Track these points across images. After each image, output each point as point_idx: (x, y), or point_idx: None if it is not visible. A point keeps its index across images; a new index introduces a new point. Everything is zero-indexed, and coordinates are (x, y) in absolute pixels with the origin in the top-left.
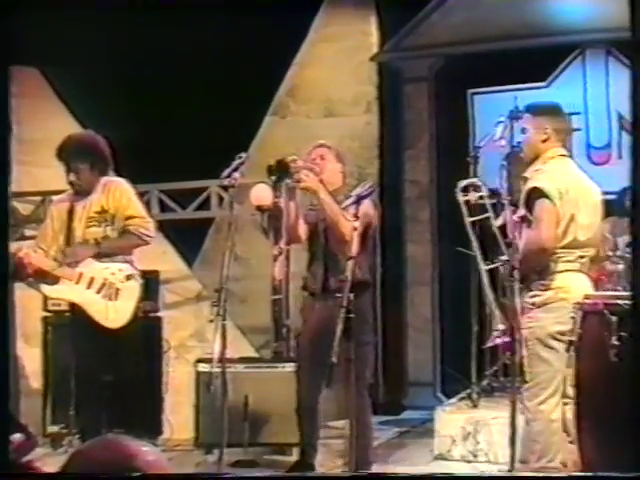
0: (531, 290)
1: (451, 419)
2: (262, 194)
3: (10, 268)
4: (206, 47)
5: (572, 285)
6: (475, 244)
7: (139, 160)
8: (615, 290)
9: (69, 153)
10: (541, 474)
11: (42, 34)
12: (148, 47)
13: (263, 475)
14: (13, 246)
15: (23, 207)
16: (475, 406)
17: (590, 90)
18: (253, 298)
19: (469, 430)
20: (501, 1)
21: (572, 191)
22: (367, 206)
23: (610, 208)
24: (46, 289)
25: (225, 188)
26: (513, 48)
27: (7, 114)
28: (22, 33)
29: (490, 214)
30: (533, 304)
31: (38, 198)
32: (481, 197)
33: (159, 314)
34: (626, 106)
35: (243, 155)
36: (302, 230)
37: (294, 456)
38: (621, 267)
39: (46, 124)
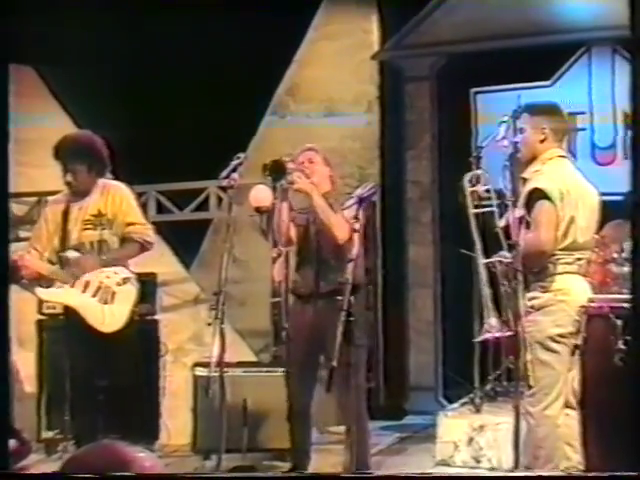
0: (529, 292)
1: (453, 424)
2: (261, 195)
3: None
4: (204, 46)
5: (571, 287)
6: (476, 236)
7: (136, 160)
8: (621, 293)
9: (66, 153)
10: (541, 474)
11: (38, 33)
12: (145, 46)
13: (263, 475)
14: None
15: (18, 208)
16: (478, 411)
17: (595, 89)
18: (252, 301)
19: (472, 436)
20: None
21: (572, 192)
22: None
23: (615, 210)
24: (41, 292)
25: (224, 189)
26: (517, 46)
27: (7, 114)
28: (18, 32)
29: (494, 208)
30: (532, 307)
31: (33, 199)
32: (487, 190)
33: (156, 317)
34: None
35: (242, 155)
36: (292, 232)
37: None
38: (627, 270)
39: (41, 124)
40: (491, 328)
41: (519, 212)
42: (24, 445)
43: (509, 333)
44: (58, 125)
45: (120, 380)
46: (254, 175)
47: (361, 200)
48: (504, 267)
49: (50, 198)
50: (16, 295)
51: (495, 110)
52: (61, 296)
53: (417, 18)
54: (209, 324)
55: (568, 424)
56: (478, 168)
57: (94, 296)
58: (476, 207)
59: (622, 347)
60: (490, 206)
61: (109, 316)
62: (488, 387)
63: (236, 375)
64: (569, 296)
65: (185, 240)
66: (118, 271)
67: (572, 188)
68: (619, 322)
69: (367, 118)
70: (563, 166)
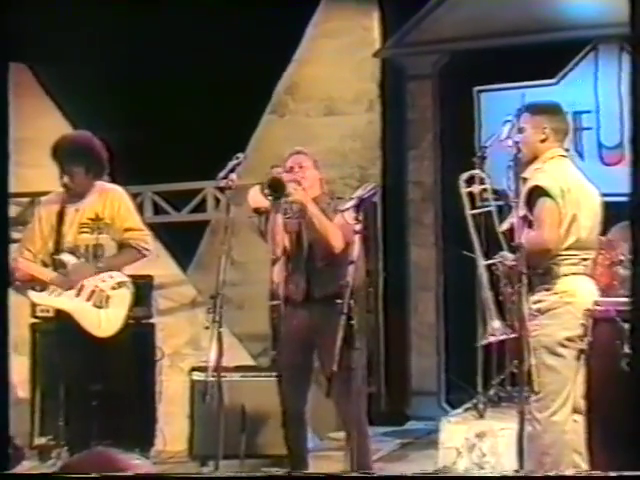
0: (534, 295)
1: (456, 430)
2: (260, 196)
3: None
4: (201, 44)
5: (577, 289)
6: (475, 238)
7: (131, 160)
8: (627, 296)
9: (63, 154)
10: (541, 474)
11: (33, 30)
12: (141, 44)
13: (263, 475)
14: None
15: (11, 209)
16: (481, 416)
17: (602, 88)
18: (250, 304)
19: (475, 442)
20: None
21: (573, 191)
22: (345, 224)
23: (623, 211)
24: (34, 296)
25: (221, 190)
26: (521, 44)
27: (7, 114)
28: (12, 29)
29: (492, 208)
30: (538, 310)
31: (26, 199)
32: (485, 190)
33: (152, 321)
34: None
35: (240, 155)
36: (285, 239)
37: None
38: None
39: (35, 123)
40: (494, 331)
41: (521, 212)
42: (17, 451)
43: (513, 336)
44: (53, 124)
45: (115, 385)
46: (252, 176)
47: (362, 201)
48: (506, 269)
49: (43, 198)
50: (9, 298)
51: (499, 109)
52: (55, 300)
53: (419, 15)
54: (206, 328)
55: (576, 430)
56: (481, 168)
57: (88, 300)
58: (477, 208)
59: (628, 351)
60: (489, 206)
61: (104, 320)
62: (492, 392)
63: (234, 380)
64: (576, 298)
65: (182, 242)
66: (113, 275)
67: (573, 187)
68: (626, 326)
69: (368, 117)
70: (564, 165)
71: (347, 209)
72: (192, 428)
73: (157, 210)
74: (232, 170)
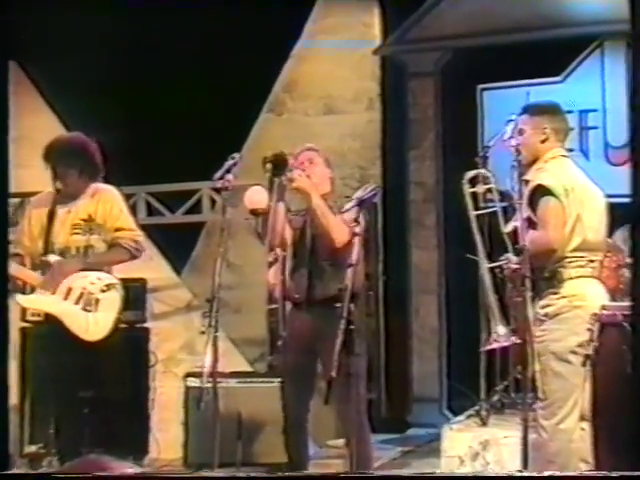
0: (541, 299)
1: (459, 437)
2: (257, 197)
3: None
4: (196, 41)
5: (587, 292)
6: (479, 239)
7: (125, 160)
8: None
9: (57, 157)
10: (541, 474)
11: (25, 29)
12: (135, 42)
13: (263, 475)
14: None
15: None
16: (484, 424)
17: (609, 85)
18: (247, 308)
19: (478, 450)
20: None
21: (577, 190)
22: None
23: (629, 212)
24: (21, 299)
25: (217, 190)
26: (526, 40)
27: (7, 114)
28: (4, 28)
29: (497, 208)
30: (545, 315)
31: (16, 200)
32: (489, 190)
33: (146, 325)
34: None
35: (236, 155)
36: (287, 235)
37: None
38: None
39: (26, 121)
40: (499, 337)
41: (524, 213)
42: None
43: (518, 342)
44: (44, 123)
45: (107, 391)
46: (249, 176)
47: (361, 202)
48: (511, 272)
49: (33, 198)
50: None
51: (502, 108)
52: (42, 303)
53: (421, 11)
54: (202, 332)
55: (583, 438)
56: (484, 169)
57: (77, 303)
58: (481, 208)
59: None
60: (493, 207)
61: (92, 324)
62: (495, 399)
63: (230, 386)
64: (585, 302)
65: (177, 244)
66: (102, 277)
67: (576, 186)
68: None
69: (368, 116)
70: (566, 165)
71: (346, 210)
72: (187, 435)
73: (151, 211)
74: (228, 170)
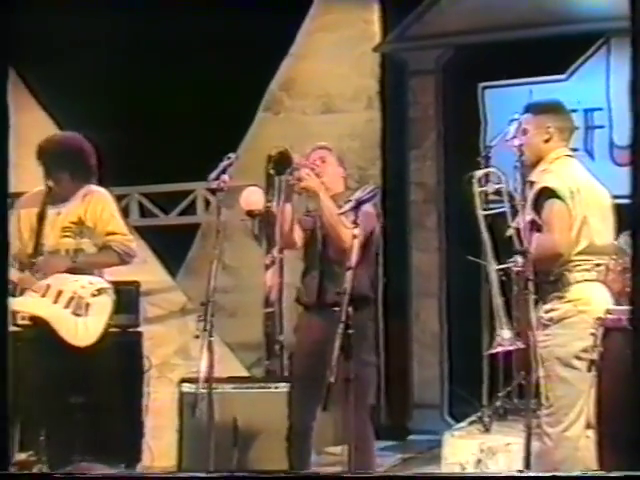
0: (546, 304)
1: (460, 445)
2: (253, 198)
3: None
4: (191, 38)
5: (592, 297)
6: (487, 240)
7: (117, 160)
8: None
9: (50, 156)
10: (542, 474)
11: (16, 26)
12: (129, 41)
13: (262, 475)
14: None
15: None
16: (487, 430)
17: (614, 84)
18: (243, 311)
19: (480, 457)
20: None
21: (583, 192)
22: (368, 212)
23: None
24: (10, 301)
25: (212, 191)
26: (529, 37)
27: (7, 115)
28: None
29: (506, 209)
30: (550, 319)
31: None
32: (499, 191)
33: (139, 329)
34: None
35: (232, 155)
36: (297, 236)
37: None
38: None
39: (15, 119)
40: (503, 342)
41: (529, 215)
42: None
43: (522, 346)
44: (35, 123)
45: (99, 397)
46: (245, 176)
47: (360, 204)
48: (514, 274)
49: (22, 198)
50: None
51: (505, 106)
52: (31, 306)
53: (422, 7)
54: (197, 337)
55: (588, 447)
56: (488, 168)
57: (67, 307)
58: (488, 209)
59: None
60: (502, 207)
61: (82, 329)
62: (498, 405)
63: (226, 392)
64: (590, 306)
65: (171, 246)
66: (93, 281)
67: (582, 187)
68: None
69: (367, 115)
70: (571, 165)
71: (345, 212)
72: (181, 443)
73: (144, 212)
74: (224, 170)
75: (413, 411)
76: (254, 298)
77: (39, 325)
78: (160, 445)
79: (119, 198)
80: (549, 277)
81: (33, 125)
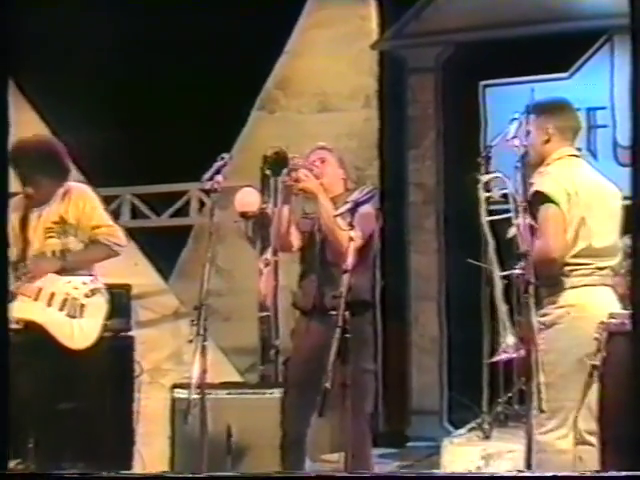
0: (542, 308)
1: (460, 452)
2: (248, 199)
3: None
4: (184, 35)
5: (588, 302)
6: (491, 246)
7: (108, 160)
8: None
9: (23, 161)
10: (542, 474)
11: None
12: (122, 40)
13: (262, 476)
14: None
15: None
16: (487, 437)
17: (618, 82)
18: (237, 315)
19: (480, 464)
20: None
21: (583, 192)
22: (366, 213)
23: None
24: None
25: (206, 192)
26: (531, 35)
27: (7, 116)
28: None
29: (512, 214)
30: (544, 324)
31: None
32: (505, 195)
33: (131, 333)
34: None
35: (226, 155)
36: (294, 238)
37: None
38: None
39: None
40: (508, 348)
41: (526, 219)
42: None
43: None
44: (25, 122)
45: (89, 403)
46: (240, 177)
47: (357, 205)
48: (515, 278)
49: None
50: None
51: (506, 105)
52: (24, 311)
53: (420, 3)
54: (190, 341)
55: (590, 455)
56: (487, 169)
57: (61, 310)
58: (491, 213)
59: None
60: (507, 212)
61: (78, 331)
62: (498, 411)
63: (219, 397)
64: (585, 312)
65: (163, 248)
66: (86, 282)
67: (583, 188)
68: None
69: (365, 114)
70: (573, 165)
71: (341, 214)
72: (173, 450)
73: (136, 214)
74: (218, 171)
75: (412, 417)
76: (248, 302)
77: (32, 329)
78: (151, 452)
79: (110, 199)
80: (547, 281)
81: (24, 124)
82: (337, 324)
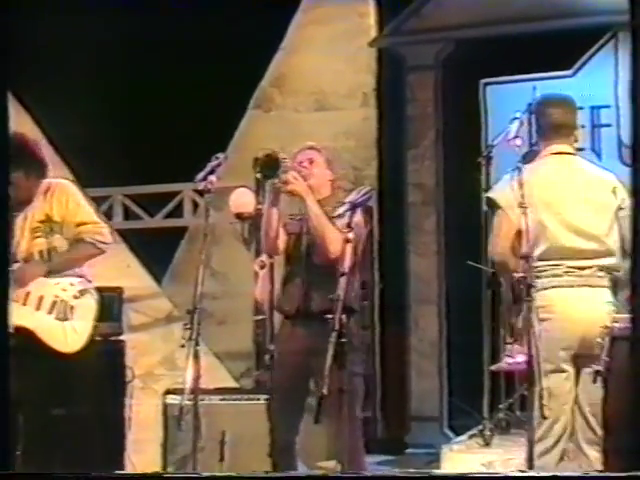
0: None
1: (460, 459)
2: (243, 200)
3: None
4: (177, 31)
5: (557, 304)
6: None
7: (100, 160)
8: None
9: None
10: (543, 474)
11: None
12: (113, 38)
13: (262, 476)
14: None
15: None
16: (488, 444)
17: (622, 80)
18: (232, 319)
19: None
20: None
21: (544, 194)
22: (356, 221)
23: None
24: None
25: (200, 193)
26: (533, 31)
27: (7, 117)
28: None
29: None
30: (520, 328)
31: None
32: None
33: (122, 338)
34: None
35: (220, 155)
36: (281, 241)
37: None
38: None
39: None
40: (515, 354)
41: (528, 220)
42: None
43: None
44: (16, 122)
45: (79, 409)
46: (234, 177)
47: (355, 206)
48: (517, 281)
49: None
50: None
51: (508, 104)
52: (13, 316)
53: None
54: (183, 346)
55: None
56: (488, 169)
57: (50, 313)
58: None
59: None
60: None
61: (70, 334)
62: (500, 417)
63: (213, 403)
64: (553, 314)
65: (156, 250)
66: (74, 283)
67: (544, 190)
68: None
69: (363, 113)
70: (548, 163)
71: (338, 215)
72: (165, 457)
73: (128, 215)
74: (212, 171)
75: (411, 424)
76: (243, 305)
77: (21, 335)
78: (143, 459)
79: (101, 199)
80: (521, 284)
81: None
82: (334, 328)
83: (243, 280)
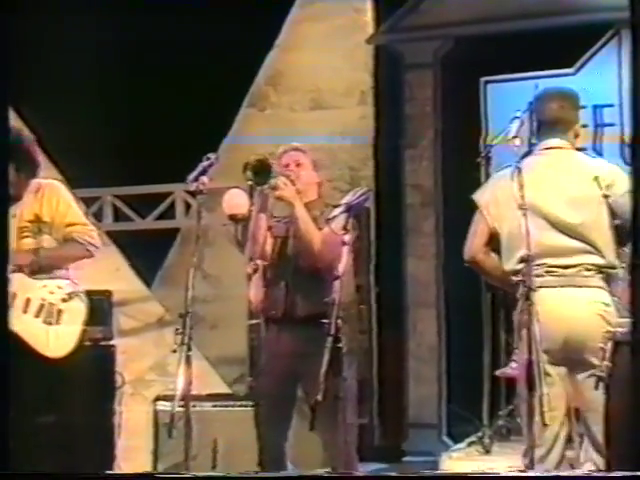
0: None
1: (459, 467)
2: (236, 201)
3: None
4: (168, 29)
5: (539, 305)
6: None
7: (89, 160)
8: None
9: None
10: (543, 474)
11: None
12: (106, 38)
13: (262, 476)
14: None
15: None
16: (487, 452)
17: (626, 78)
18: (225, 323)
19: None
20: None
21: (530, 190)
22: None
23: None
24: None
25: (192, 194)
26: (535, 28)
27: (7, 115)
28: None
29: None
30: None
31: None
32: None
33: (112, 342)
34: None
35: (212, 155)
36: (268, 245)
37: None
38: None
39: None
40: (519, 359)
41: (527, 222)
42: None
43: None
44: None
45: (67, 416)
46: (227, 178)
47: (350, 208)
48: (517, 284)
49: None
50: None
51: (508, 103)
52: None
53: None
54: (174, 351)
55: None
56: (488, 170)
57: (37, 316)
58: None
59: None
60: None
61: (53, 338)
62: (499, 424)
63: (205, 410)
64: (535, 317)
65: (147, 253)
66: (62, 285)
67: (534, 185)
68: None
69: (360, 111)
70: (537, 160)
71: (334, 217)
72: (156, 465)
73: (118, 216)
74: (204, 171)
75: (409, 431)
76: (237, 309)
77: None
78: (133, 467)
79: (91, 201)
80: (508, 287)
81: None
82: (329, 332)
83: (236, 283)
